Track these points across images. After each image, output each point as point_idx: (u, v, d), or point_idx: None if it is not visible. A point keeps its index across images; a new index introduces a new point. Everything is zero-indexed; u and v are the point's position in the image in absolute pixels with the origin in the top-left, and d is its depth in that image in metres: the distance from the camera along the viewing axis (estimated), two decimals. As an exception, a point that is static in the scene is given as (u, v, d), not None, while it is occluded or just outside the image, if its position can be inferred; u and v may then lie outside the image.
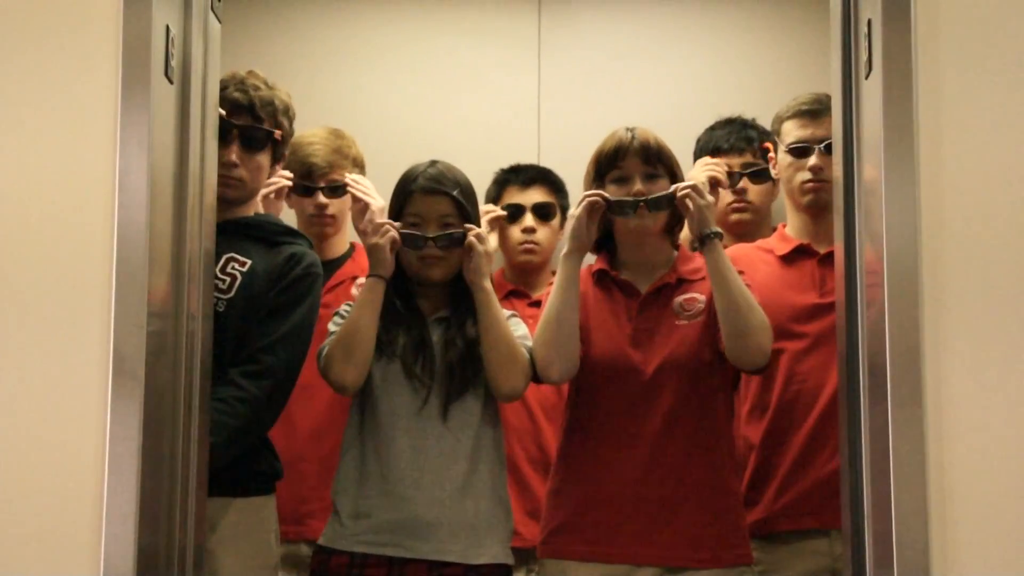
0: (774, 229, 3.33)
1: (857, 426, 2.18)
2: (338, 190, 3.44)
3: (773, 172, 3.30)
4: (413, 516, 2.74)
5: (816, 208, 3.11)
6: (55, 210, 2.10)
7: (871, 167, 2.14)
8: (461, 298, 2.89)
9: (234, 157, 2.81)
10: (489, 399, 2.86)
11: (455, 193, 2.87)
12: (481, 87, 3.97)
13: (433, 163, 2.92)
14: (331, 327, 2.87)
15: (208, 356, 2.42)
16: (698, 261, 2.99)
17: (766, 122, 3.42)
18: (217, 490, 2.61)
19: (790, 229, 3.21)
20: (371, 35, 4.02)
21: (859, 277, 2.20)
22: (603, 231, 2.97)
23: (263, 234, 2.88)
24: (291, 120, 2.97)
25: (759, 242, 3.26)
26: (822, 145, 3.07)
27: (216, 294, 2.71)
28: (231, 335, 2.73)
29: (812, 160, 3.10)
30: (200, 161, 2.33)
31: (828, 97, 3.02)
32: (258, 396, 2.72)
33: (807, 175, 3.11)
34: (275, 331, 2.78)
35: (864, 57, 2.17)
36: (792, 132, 3.16)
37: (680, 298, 2.89)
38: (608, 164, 2.90)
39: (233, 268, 2.79)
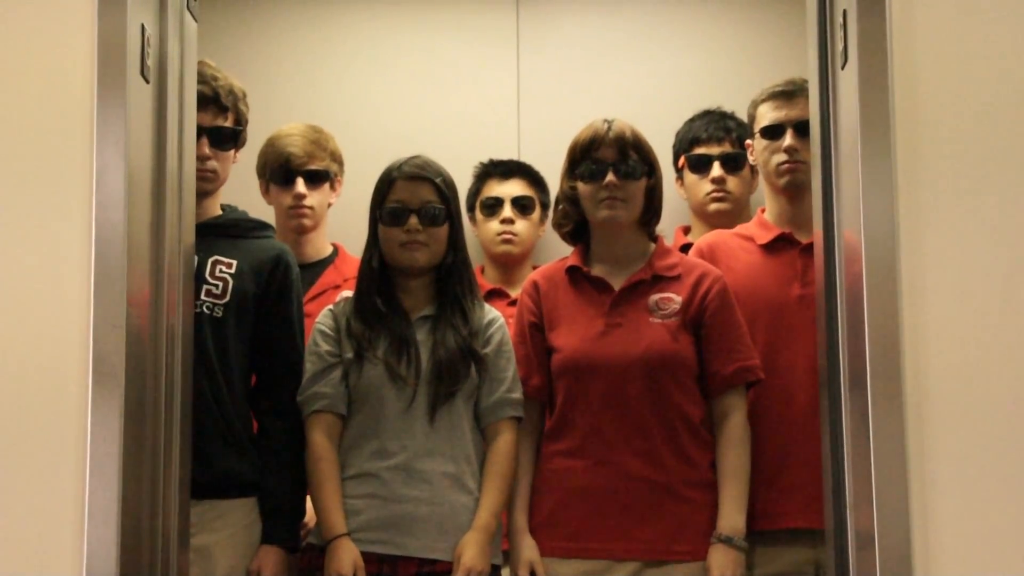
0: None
1: (838, 418, 2.18)
2: (317, 179, 3.44)
3: (751, 158, 3.31)
4: (402, 514, 2.75)
5: (794, 190, 3.11)
6: (32, 210, 2.09)
7: (848, 157, 2.14)
8: (446, 295, 2.89)
9: (207, 150, 2.85)
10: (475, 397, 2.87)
11: (438, 180, 2.88)
12: (460, 83, 3.97)
13: (416, 156, 2.94)
14: (307, 364, 2.89)
15: (189, 355, 2.42)
16: (675, 256, 2.99)
17: (744, 115, 3.44)
18: (211, 491, 2.70)
19: (769, 215, 3.21)
20: (350, 33, 4.01)
21: (838, 269, 2.21)
22: (578, 221, 2.98)
23: (237, 231, 2.94)
24: (247, 105, 3.01)
25: (738, 228, 3.25)
26: (795, 124, 3.08)
27: (211, 300, 2.82)
28: (232, 338, 2.83)
29: (787, 140, 3.10)
30: (178, 160, 2.32)
31: (802, 79, 3.03)
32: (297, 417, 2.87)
33: (783, 156, 3.11)
34: (293, 349, 2.92)
35: (840, 48, 2.17)
36: (766, 115, 3.17)
37: (655, 296, 2.89)
38: (583, 154, 2.91)
39: (222, 271, 2.84)
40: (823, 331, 2.29)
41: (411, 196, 2.87)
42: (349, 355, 2.83)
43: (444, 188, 2.89)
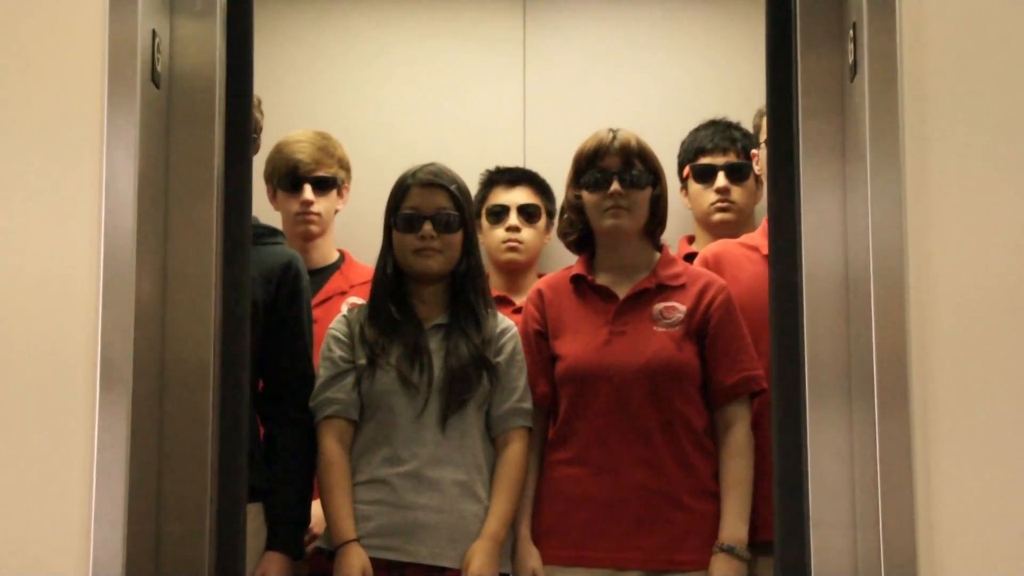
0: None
1: (796, 429, 2.15)
2: (325, 185, 3.45)
3: (756, 169, 3.31)
4: (412, 521, 2.76)
5: None
6: (42, 214, 2.09)
7: (857, 169, 2.14)
8: (460, 304, 2.90)
9: None
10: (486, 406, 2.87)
11: (452, 188, 2.90)
12: (467, 91, 3.98)
13: (430, 163, 2.95)
14: (320, 370, 2.91)
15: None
16: (680, 265, 3.00)
17: (750, 125, 3.45)
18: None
19: (774, 225, 3.21)
20: (358, 40, 4.02)
21: (802, 278, 2.17)
22: (583, 230, 2.99)
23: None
24: (262, 112, 3.02)
25: (743, 238, 3.26)
26: None
27: None
28: None
29: None
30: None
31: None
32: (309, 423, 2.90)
33: None
34: (302, 355, 2.93)
35: (850, 60, 2.17)
36: None
37: (659, 305, 2.90)
38: (588, 163, 2.92)
39: None
40: (777, 338, 2.25)
41: (425, 203, 2.88)
42: (362, 362, 2.84)
43: (458, 195, 2.90)
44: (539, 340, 2.97)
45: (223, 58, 2.28)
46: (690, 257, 3.38)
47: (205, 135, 2.33)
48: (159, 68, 2.19)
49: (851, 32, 2.15)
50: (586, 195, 2.94)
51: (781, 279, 2.24)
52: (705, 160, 3.56)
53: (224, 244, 2.26)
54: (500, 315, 2.97)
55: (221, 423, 2.22)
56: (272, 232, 3.01)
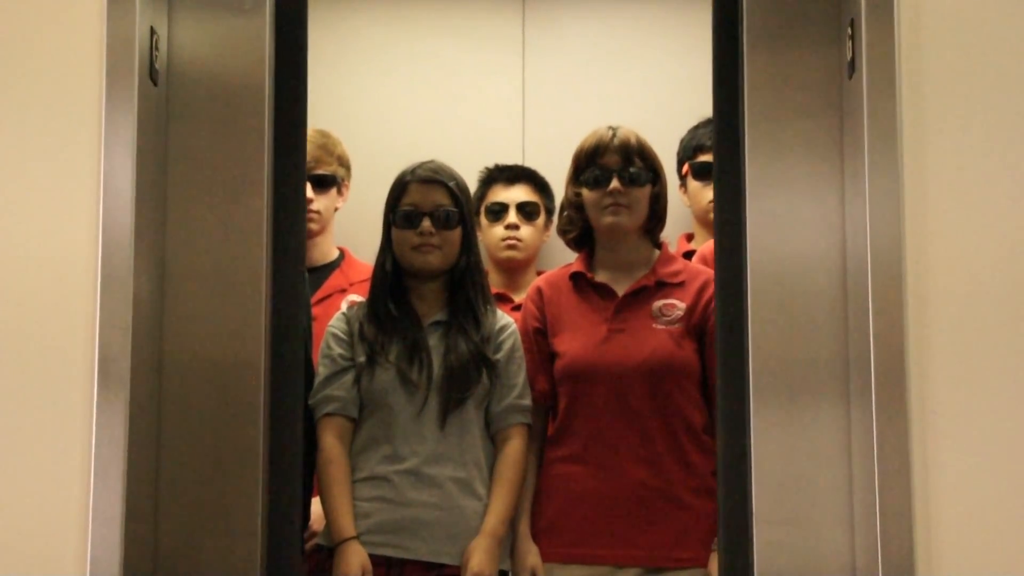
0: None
1: (740, 427, 2.14)
2: (324, 183, 3.45)
3: None
4: (411, 517, 2.76)
5: None
6: (40, 213, 2.09)
7: (855, 168, 2.14)
8: (459, 301, 2.90)
9: None
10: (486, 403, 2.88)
11: (451, 184, 2.90)
12: (466, 89, 3.98)
13: (429, 160, 2.96)
14: (320, 368, 2.90)
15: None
16: (679, 263, 3.00)
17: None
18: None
19: (773, 224, 3.21)
20: (357, 37, 4.02)
21: (747, 277, 2.16)
22: (583, 228, 2.99)
23: None
24: None
25: (741, 237, 3.26)
26: None
27: None
28: None
29: None
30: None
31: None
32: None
33: None
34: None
35: (847, 57, 2.17)
36: None
37: (659, 302, 2.90)
38: (588, 160, 2.92)
39: None
40: (724, 335, 2.24)
41: (424, 199, 2.89)
42: (361, 359, 2.85)
43: (457, 192, 2.91)
44: (538, 337, 2.97)
45: (272, 56, 2.28)
46: (689, 255, 3.38)
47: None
48: (158, 65, 2.18)
49: (849, 29, 2.15)
50: (586, 192, 2.94)
51: (725, 278, 2.23)
52: (704, 157, 3.55)
53: (273, 243, 2.25)
54: (499, 312, 2.97)
55: (272, 422, 2.20)
56: None
